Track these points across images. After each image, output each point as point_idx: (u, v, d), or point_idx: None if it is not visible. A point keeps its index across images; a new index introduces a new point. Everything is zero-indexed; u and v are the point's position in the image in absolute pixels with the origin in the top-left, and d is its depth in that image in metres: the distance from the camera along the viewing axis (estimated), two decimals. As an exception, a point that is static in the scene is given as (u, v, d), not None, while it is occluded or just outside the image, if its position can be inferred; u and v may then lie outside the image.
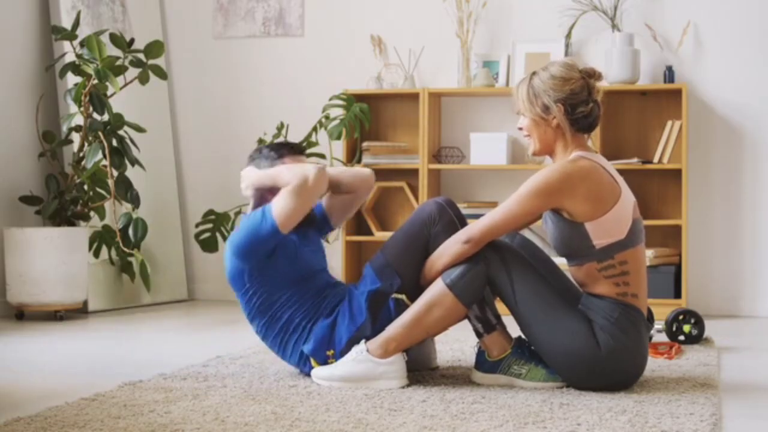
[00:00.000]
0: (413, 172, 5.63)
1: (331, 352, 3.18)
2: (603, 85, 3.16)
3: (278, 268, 3.23)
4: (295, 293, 3.24)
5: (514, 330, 3.17)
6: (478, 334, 3.15)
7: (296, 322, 3.23)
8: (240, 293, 3.29)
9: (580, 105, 3.09)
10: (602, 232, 3.01)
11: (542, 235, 5.19)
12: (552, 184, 3.01)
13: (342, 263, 5.58)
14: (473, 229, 3.07)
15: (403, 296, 3.17)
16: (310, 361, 3.22)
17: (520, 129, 3.17)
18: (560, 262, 3.37)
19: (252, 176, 3.32)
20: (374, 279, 3.18)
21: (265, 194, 3.31)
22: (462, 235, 3.08)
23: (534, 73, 3.15)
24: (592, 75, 3.12)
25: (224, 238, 5.66)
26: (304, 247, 3.30)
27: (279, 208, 3.18)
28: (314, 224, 3.42)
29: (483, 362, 3.16)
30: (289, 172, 3.21)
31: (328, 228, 3.50)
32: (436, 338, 3.68)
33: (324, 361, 3.19)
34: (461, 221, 3.22)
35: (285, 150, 3.35)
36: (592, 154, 3.11)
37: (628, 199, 3.07)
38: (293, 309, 3.23)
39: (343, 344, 3.15)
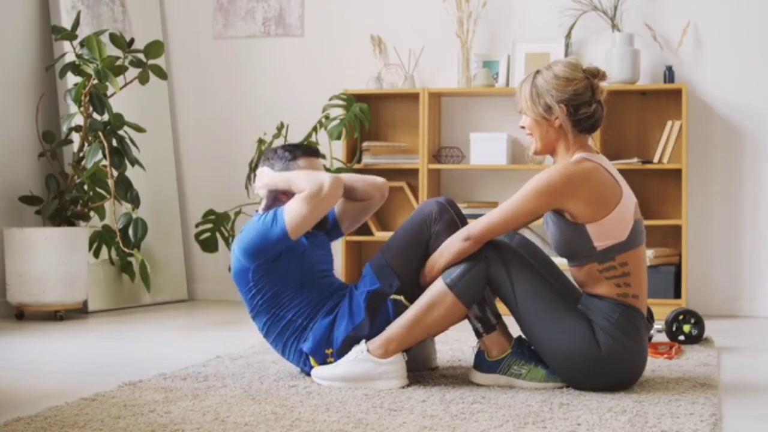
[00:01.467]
0: (413, 172, 5.63)
1: (330, 351, 3.18)
2: (603, 85, 3.15)
3: (284, 269, 3.23)
4: (298, 295, 3.24)
5: (515, 330, 3.17)
6: (478, 334, 3.15)
7: (298, 322, 3.23)
8: (244, 290, 3.29)
9: (583, 106, 3.08)
10: (603, 233, 3.01)
11: (542, 235, 5.19)
12: (554, 185, 3.01)
13: (342, 263, 5.58)
14: (474, 227, 3.07)
15: (401, 297, 3.17)
16: (309, 360, 3.22)
17: (522, 128, 3.17)
18: (560, 262, 3.37)
19: (267, 177, 3.31)
20: (373, 279, 3.18)
21: (279, 195, 3.31)
22: (462, 232, 3.08)
23: (537, 72, 3.13)
24: (596, 75, 3.11)
25: (224, 238, 5.66)
26: (312, 250, 3.30)
27: (291, 213, 3.17)
28: (326, 228, 3.42)
29: (482, 362, 3.15)
30: (305, 178, 3.20)
31: (338, 233, 3.50)
32: (436, 338, 3.68)
33: (323, 361, 3.19)
34: (462, 221, 3.22)
35: (299, 151, 3.34)
36: (595, 154, 3.10)
37: (629, 200, 3.07)
38: (296, 310, 3.24)
39: (339, 343, 3.16)
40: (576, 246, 3.04)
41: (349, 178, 3.44)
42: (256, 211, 3.37)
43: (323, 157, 5.59)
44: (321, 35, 5.94)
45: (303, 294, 3.24)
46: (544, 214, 3.12)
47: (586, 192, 3.01)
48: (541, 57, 5.50)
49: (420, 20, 5.79)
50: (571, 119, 3.08)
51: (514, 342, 3.15)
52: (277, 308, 3.24)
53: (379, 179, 3.47)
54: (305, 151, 3.34)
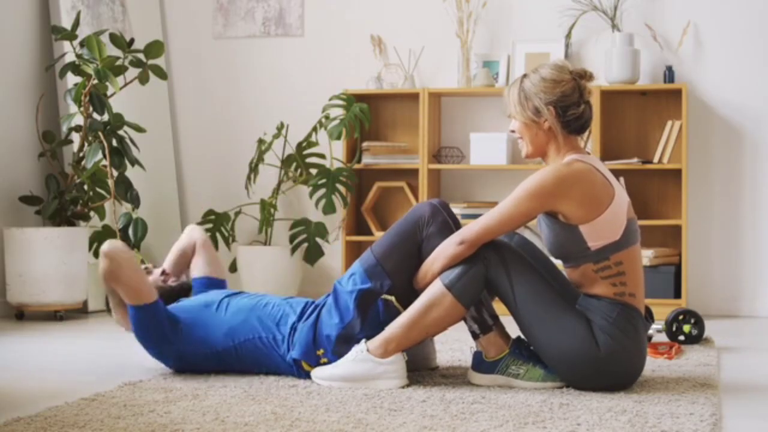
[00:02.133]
0: (413, 172, 5.63)
1: (321, 351, 3.18)
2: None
3: (195, 320, 3.31)
4: (233, 322, 3.29)
5: (513, 330, 3.17)
6: (474, 335, 3.15)
7: (264, 336, 3.25)
8: (200, 364, 3.34)
9: (572, 107, 3.09)
10: (597, 233, 3.01)
11: (542, 234, 5.19)
12: (546, 186, 3.01)
13: (342, 263, 5.58)
14: (468, 230, 3.07)
15: (392, 298, 3.16)
16: (301, 365, 3.21)
17: (512, 132, 3.18)
18: (556, 263, 3.36)
19: (113, 312, 3.46)
20: (364, 278, 3.17)
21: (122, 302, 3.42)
22: (456, 237, 3.08)
23: (525, 76, 3.14)
24: (583, 76, 3.11)
25: (224, 238, 5.67)
26: (200, 295, 3.46)
27: (124, 297, 3.28)
28: (190, 292, 3.56)
29: (480, 363, 3.15)
30: (99, 275, 3.31)
31: (221, 285, 3.66)
32: (436, 338, 3.68)
33: (316, 362, 3.19)
34: (455, 223, 3.21)
35: None
36: (586, 155, 3.11)
37: (622, 199, 3.07)
38: (251, 332, 3.27)
39: (333, 341, 3.16)
40: (570, 247, 3.04)
41: (172, 251, 3.71)
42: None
43: (322, 156, 5.59)
44: (321, 35, 5.94)
45: (236, 316, 3.29)
46: (537, 217, 3.12)
47: (578, 193, 3.01)
48: (541, 57, 5.50)
49: (420, 20, 5.79)
50: (560, 121, 3.09)
51: (512, 342, 3.15)
52: (236, 351, 3.29)
53: (187, 227, 3.76)
54: None
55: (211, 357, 3.31)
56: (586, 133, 3.40)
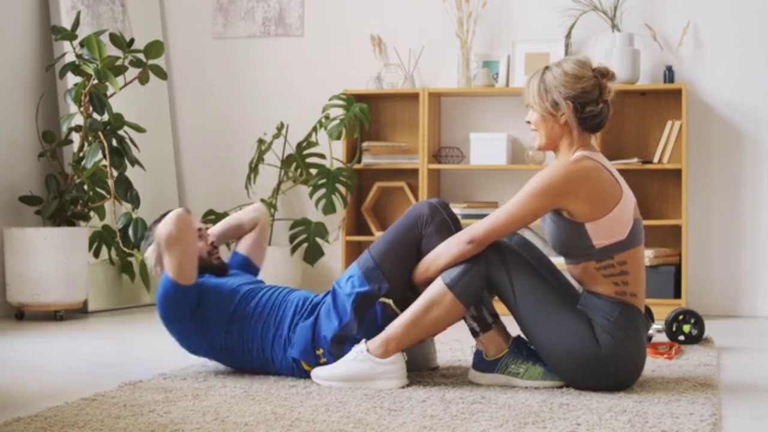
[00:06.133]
0: (413, 172, 5.63)
1: (321, 351, 3.18)
2: (612, 86, 3.15)
3: (214, 309, 3.28)
4: (247, 316, 3.27)
5: (514, 329, 3.17)
6: (474, 334, 3.15)
7: (270, 336, 3.24)
8: (204, 351, 3.33)
9: (590, 104, 3.08)
10: (603, 232, 3.01)
11: (542, 235, 5.19)
12: (554, 184, 3.01)
13: (342, 263, 5.58)
14: (476, 229, 3.06)
15: (390, 301, 3.16)
16: (301, 365, 3.21)
17: (528, 122, 3.17)
18: (558, 261, 3.36)
19: (152, 255, 3.40)
20: (362, 281, 3.17)
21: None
22: (465, 235, 3.07)
23: (547, 68, 3.13)
24: (605, 75, 3.11)
25: (224, 238, 5.66)
26: (230, 279, 3.39)
27: (167, 265, 3.25)
28: (226, 274, 3.49)
29: (481, 362, 3.15)
30: (156, 240, 3.29)
31: (255, 270, 3.64)
32: (436, 338, 3.68)
33: (316, 362, 3.19)
34: (454, 222, 3.21)
35: (153, 224, 3.46)
36: (595, 153, 3.10)
37: (629, 199, 3.07)
38: (259, 328, 3.26)
39: (329, 342, 3.16)
40: (574, 244, 3.04)
41: (230, 218, 3.65)
42: None
43: (322, 156, 5.60)
44: (321, 35, 5.94)
45: (253, 310, 3.28)
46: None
47: (586, 191, 3.01)
48: (541, 57, 5.50)
49: (420, 20, 5.79)
50: (578, 117, 3.08)
51: (512, 341, 3.15)
52: (242, 342, 3.27)
53: (255, 203, 3.70)
54: (157, 221, 3.43)
55: (219, 350, 3.30)
56: None
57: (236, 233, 3.67)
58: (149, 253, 3.41)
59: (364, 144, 5.63)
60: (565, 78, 3.08)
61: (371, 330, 3.14)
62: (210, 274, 3.44)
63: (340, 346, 3.15)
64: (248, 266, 3.64)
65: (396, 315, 3.14)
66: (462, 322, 3.18)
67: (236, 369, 3.37)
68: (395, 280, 3.16)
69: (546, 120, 3.12)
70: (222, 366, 3.48)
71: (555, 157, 3.19)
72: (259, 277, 3.68)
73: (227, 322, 3.27)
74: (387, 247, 3.19)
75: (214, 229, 3.64)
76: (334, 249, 5.79)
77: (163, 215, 3.36)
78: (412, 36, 5.79)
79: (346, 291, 3.17)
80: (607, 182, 3.04)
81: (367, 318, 3.16)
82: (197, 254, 3.30)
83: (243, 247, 3.66)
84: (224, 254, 4.94)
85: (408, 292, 3.18)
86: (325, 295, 3.26)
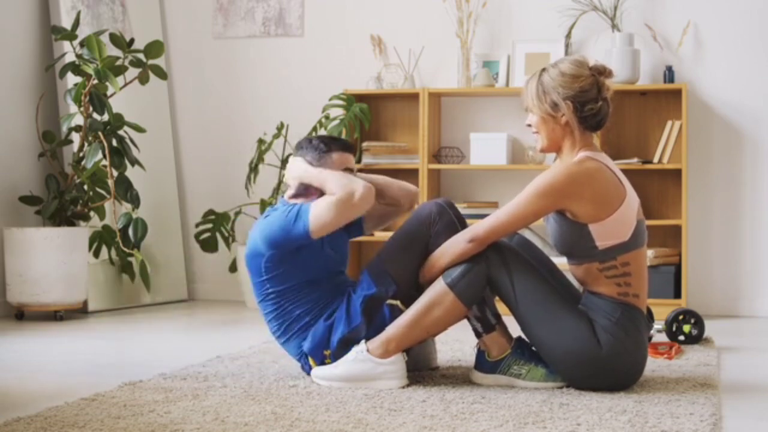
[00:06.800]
0: (413, 172, 5.63)
1: (328, 352, 3.18)
2: (611, 83, 3.14)
3: (300, 264, 3.21)
4: (310, 292, 3.23)
5: (515, 330, 3.17)
6: (477, 334, 3.15)
7: (306, 320, 3.22)
8: (254, 276, 3.27)
9: (590, 102, 3.08)
10: (606, 233, 3.00)
11: (542, 235, 5.19)
12: (557, 185, 3.01)
13: (342, 263, 5.58)
14: (478, 228, 3.06)
15: (398, 302, 3.16)
16: (308, 358, 3.22)
17: (529, 126, 3.16)
18: (559, 262, 3.36)
19: (299, 169, 3.29)
20: (370, 284, 3.17)
21: (309, 188, 3.29)
22: (466, 234, 3.07)
23: (543, 70, 3.13)
24: (602, 72, 3.11)
25: (224, 238, 5.66)
26: (329, 248, 3.27)
27: (317, 215, 3.15)
28: (349, 227, 3.37)
29: (483, 362, 3.15)
30: (338, 182, 3.17)
31: (358, 232, 3.45)
32: (436, 338, 3.68)
33: (321, 361, 3.19)
34: (461, 222, 3.22)
35: (335, 145, 3.31)
36: (599, 153, 3.10)
37: (633, 200, 3.07)
38: (305, 307, 3.23)
39: (335, 345, 3.16)
40: (577, 245, 3.04)
41: (381, 179, 3.43)
42: (282, 197, 3.36)
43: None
44: (321, 35, 5.94)
45: (315, 292, 3.24)
46: (543, 214, 3.12)
47: (589, 192, 3.00)
48: (541, 57, 5.50)
49: (420, 20, 5.79)
50: (578, 116, 3.08)
51: (514, 342, 3.15)
52: (286, 301, 3.23)
53: (412, 187, 3.46)
54: (340, 145, 3.31)
55: (271, 288, 3.24)
56: None
57: (386, 200, 3.44)
58: (297, 164, 3.27)
59: (364, 144, 5.63)
60: (562, 78, 3.08)
61: (380, 331, 3.14)
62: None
63: (344, 348, 3.15)
64: (357, 225, 3.42)
65: None
66: (462, 322, 3.18)
67: (264, 317, 3.29)
68: (402, 281, 3.16)
69: (546, 121, 3.12)
70: (222, 366, 3.48)
71: (556, 158, 3.18)
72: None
73: (298, 281, 3.21)
74: (394, 249, 3.19)
75: (375, 179, 3.43)
76: (334, 249, 5.79)
77: (342, 143, 3.24)
78: (412, 36, 5.79)
79: (356, 294, 3.18)
80: (611, 183, 3.04)
81: (375, 321, 3.15)
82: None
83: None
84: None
85: (414, 291, 3.18)
86: (342, 299, 3.25)
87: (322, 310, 3.22)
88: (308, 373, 3.26)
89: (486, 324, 3.13)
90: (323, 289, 3.25)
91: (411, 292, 3.18)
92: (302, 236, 3.16)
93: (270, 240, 3.19)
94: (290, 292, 3.23)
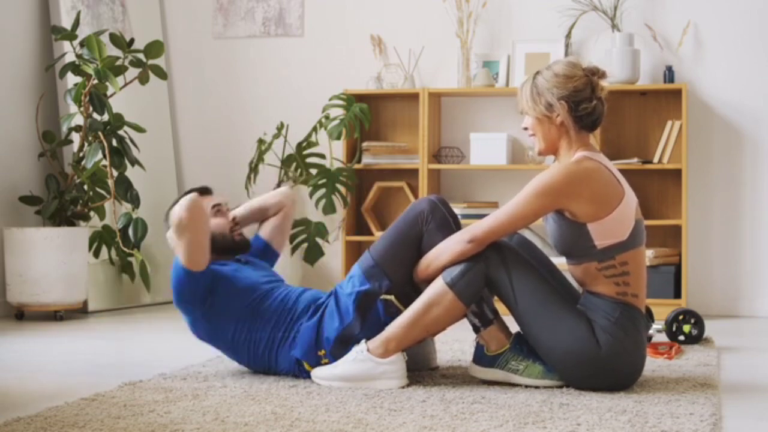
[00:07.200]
0: (413, 172, 5.63)
1: (323, 352, 3.18)
2: (602, 85, 3.16)
3: (228, 301, 3.26)
4: (260, 314, 3.26)
5: (514, 329, 3.17)
6: (476, 329, 3.16)
7: (279, 335, 3.23)
8: (209, 339, 3.33)
9: (584, 102, 3.09)
10: (605, 233, 3.01)
11: (542, 234, 5.19)
12: (556, 185, 3.01)
13: (342, 263, 5.58)
14: (477, 228, 3.07)
15: (392, 297, 3.16)
16: (303, 365, 3.21)
17: (525, 129, 3.17)
18: (558, 261, 3.37)
19: (171, 238, 3.38)
20: (363, 280, 3.17)
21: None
22: (465, 234, 3.08)
23: (537, 73, 3.16)
24: (595, 73, 3.12)
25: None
26: (247, 272, 3.34)
27: (178, 252, 3.25)
28: (247, 251, 3.47)
29: (481, 356, 3.16)
30: (171, 217, 3.25)
31: (273, 256, 3.60)
32: (436, 338, 3.68)
33: (317, 363, 3.19)
34: (454, 218, 3.23)
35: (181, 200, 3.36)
36: (596, 153, 3.10)
37: (631, 199, 3.07)
38: (269, 328, 3.24)
39: (332, 343, 3.16)
40: (575, 244, 3.04)
41: (255, 201, 3.61)
42: None
43: (322, 156, 5.60)
44: (321, 35, 5.94)
45: (264, 311, 3.26)
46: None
47: (588, 191, 3.01)
48: (541, 57, 5.50)
49: (420, 20, 5.79)
50: (573, 115, 3.09)
51: (513, 338, 3.15)
52: (250, 337, 3.26)
53: (283, 188, 3.63)
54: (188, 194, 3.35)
55: (224, 342, 3.29)
56: None
57: (260, 216, 3.62)
58: (169, 236, 3.37)
59: (364, 144, 5.63)
60: (556, 79, 3.10)
61: (374, 328, 3.14)
62: (231, 252, 3.40)
63: (343, 346, 3.15)
64: (267, 252, 3.59)
65: (399, 311, 3.14)
66: (462, 322, 3.18)
67: (238, 363, 3.37)
68: (397, 276, 3.17)
69: (542, 123, 3.13)
70: (222, 366, 3.48)
71: (555, 160, 3.19)
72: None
73: (239, 317, 3.26)
74: (387, 245, 3.20)
75: (238, 210, 3.59)
76: (334, 249, 5.79)
77: (183, 195, 3.32)
78: (412, 36, 5.79)
79: (347, 291, 3.18)
80: (609, 183, 3.04)
81: (369, 317, 3.16)
82: (208, 241, 3.25)
83: (265, 231, 3.62)
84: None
85: (409, 288, 3.18)
86: (329, 297, 3.26)
87: (290, 317, 3.23)
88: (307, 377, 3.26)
89: (483, 319, 3.14)
90: (271, 303, 3.27)
91: (406, 288, 3.18)
92: (188, 276, 3.23)
93: (180, 300, 3.28)
94: (246, 328, 3.26)
